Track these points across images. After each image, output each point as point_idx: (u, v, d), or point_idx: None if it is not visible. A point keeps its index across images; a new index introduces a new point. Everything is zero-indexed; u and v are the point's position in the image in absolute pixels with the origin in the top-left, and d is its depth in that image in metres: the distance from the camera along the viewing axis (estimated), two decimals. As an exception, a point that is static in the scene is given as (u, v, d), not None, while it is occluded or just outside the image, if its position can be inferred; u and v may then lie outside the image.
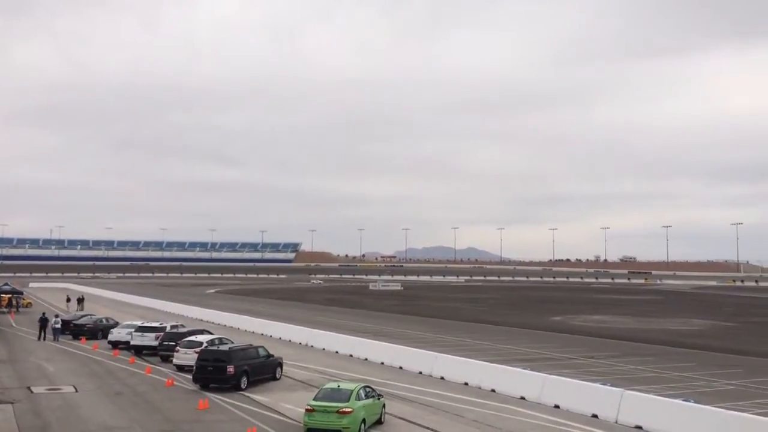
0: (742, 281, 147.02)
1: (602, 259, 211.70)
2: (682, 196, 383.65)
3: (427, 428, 18.87)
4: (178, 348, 28.09)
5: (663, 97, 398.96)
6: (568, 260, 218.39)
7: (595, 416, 20.06)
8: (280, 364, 26.62)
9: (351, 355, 32.70)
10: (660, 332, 46.89)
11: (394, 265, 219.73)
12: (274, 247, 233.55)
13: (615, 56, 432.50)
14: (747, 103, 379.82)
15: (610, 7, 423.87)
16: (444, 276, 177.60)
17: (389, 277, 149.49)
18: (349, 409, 17.54)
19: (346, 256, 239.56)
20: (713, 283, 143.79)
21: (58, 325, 39.82)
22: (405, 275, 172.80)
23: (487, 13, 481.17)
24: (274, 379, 25.78)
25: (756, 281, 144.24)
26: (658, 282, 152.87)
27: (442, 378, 26.36)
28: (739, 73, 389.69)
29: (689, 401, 19.23)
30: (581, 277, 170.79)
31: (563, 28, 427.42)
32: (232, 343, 27.82)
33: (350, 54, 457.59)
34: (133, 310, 62.73)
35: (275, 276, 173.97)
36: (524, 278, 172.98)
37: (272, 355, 26.41)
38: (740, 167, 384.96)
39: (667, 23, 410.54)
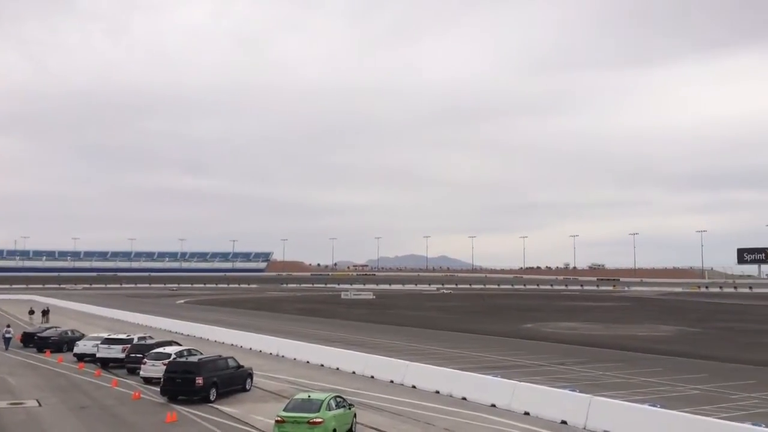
0: (707, 287, 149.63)
1: (571, 266, 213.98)
2: (649, 204, 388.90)
3: (398, 437, 18.85)
4: (145, 360, 27.69)
5: (630, 107, 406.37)
6: (538, 268, 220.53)
7: (564, 422, 20.24)
8: (251, 375, 26.37)
9: (322, 365, 32.54)
10: (628, 338, 47.56)
11: (366, 274, 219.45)
12: (245, 256, 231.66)
13: (584, 66, 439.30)
14: (710, 112, 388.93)
15: (578, 17, 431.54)
16: (416, 284, 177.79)
17: (361, 286, 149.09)
18: (320, 420, 17.46)
19: (318, 265, 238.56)
20: (679, 289, 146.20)
21: (9, 335, 40.40)
22: (377, 284, 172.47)
23: (456, 24, 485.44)
24: (244, 390, 25.53)
25: (720, 287, 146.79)
26: (626, 289, 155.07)
27: (414, 387, 26.37)
28: (703, 83, 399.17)
29: (656, 406, 19.54)
30: (551, 285, 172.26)
31: (533, 38, 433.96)
32: (201, 354, 27.50)
33: (321, 63, 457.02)
34: (100, 322, 61.65)
35: (246, 286, 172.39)
36: (495, 286, 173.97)
37: (242, 366, 26.16)
38: (704, 175, 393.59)
39: (635, 34, 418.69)
